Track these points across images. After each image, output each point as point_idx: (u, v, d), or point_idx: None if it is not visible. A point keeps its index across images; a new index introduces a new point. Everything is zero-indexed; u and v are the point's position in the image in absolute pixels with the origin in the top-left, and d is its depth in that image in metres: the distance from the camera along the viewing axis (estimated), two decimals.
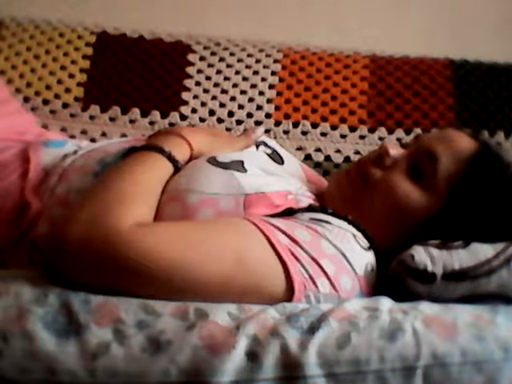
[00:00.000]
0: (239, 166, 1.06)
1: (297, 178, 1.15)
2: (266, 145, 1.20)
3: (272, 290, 0.90)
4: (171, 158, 1.03)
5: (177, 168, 1.03)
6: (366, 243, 1.02)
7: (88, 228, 0.86)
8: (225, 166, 1.04)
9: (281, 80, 1.68)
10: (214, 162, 1.05)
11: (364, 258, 0.99)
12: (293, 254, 0.92)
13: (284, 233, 0.94)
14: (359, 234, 1.02)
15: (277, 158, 1.18)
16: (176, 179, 1.02)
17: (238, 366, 0.77)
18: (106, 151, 1.12)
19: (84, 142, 1.32)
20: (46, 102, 1.66)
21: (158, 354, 0.78)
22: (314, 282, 0.92)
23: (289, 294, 0.90)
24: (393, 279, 1.00)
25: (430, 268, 0.96)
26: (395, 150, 1.10)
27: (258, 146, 1.18)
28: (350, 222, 1.02)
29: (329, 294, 0.92)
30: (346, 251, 0.97)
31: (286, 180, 1.11)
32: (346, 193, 1.10)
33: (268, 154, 1.17)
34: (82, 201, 0.93)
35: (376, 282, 1.00)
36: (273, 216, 0.99)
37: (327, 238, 0.97)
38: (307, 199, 1.09)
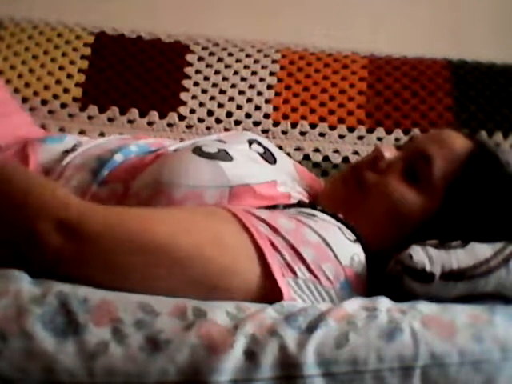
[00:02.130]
0: (225, 154, 1.05)
1: (289, 176, 1.14)
2: (259, 143, 1.19)
3: (247, 276, 0.89)
4: None
5: None
6: (352, 236, 1.01)
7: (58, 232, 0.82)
8: (211, 156, 1.03)
9: (279, 80, 1.69)
10: (199, 152, 1.04)
11: (350, 249, 0.99)
12: (272, 243, 0.91)
13: (265, 222, 0.93)
14: (346, 229, 1.01)
15: (269, 157, 1.17)
16: (159, 170, 1.02)
17: (236, 366, 0.77)
18: (104, 148, 1.12)
19: (84, 137, 1.31)
20: (44, 102, 1.66)
21: (157, 353, 0.77)
22: (291, 269, 0.91)
23: (268, 282, 0.89)
24: (391, 279, 0.99)
25: (428, 268, 0.96)
26: (389, 153, 1.10)
27: (250, 144, 1.17)
28: (338, 219, 1.02)
29: (308, 280, 0.92)
30: (329, 240, 0.96)
31: (273, 171, 1.10)
32: (341, 197, 1.10)
33: (260, 154, 1.15)
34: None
35: (367, 275, 1.00)
36: (259, 208, 0.99)
37: (311, 227, 0.96)
38: (298, 194, 1.09)
